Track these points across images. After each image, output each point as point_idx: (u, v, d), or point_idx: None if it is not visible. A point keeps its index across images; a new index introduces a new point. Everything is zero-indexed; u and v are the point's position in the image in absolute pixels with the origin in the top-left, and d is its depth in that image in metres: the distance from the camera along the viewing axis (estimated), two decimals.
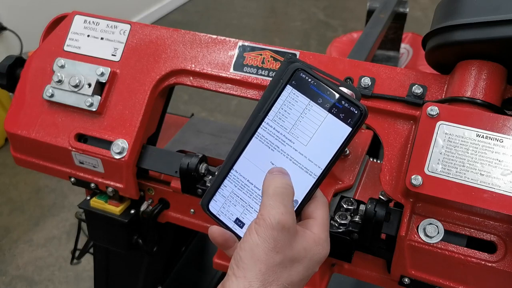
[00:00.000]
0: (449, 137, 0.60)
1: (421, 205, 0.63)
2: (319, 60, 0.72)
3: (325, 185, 0.77)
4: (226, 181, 0.56)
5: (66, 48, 0.82)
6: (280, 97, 0.54)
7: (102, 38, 0.81)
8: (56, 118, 0.81)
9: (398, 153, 0.66)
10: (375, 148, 0.91)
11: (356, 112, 0.52)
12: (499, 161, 0.58)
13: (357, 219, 0.66)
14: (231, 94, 0.76)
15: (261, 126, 0.54)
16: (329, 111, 0.52)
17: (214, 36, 0.78)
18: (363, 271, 0.73)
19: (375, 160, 0.86)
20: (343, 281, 1.05)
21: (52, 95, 0.80)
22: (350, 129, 0.52)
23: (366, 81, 0.69)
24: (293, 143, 0.53)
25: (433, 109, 0.61)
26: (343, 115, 0.52)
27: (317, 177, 0.53)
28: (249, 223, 0.53)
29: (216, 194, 0.56)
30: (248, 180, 0.55)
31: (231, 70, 0.75)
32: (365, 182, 0.81)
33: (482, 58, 0.63)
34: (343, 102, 0.52)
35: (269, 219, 0.48)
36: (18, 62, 0.86)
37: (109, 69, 0.78)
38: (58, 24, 0.85)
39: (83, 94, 0.78)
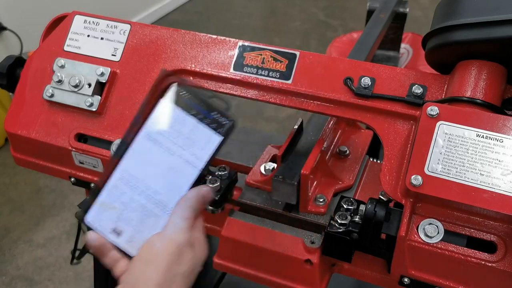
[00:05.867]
0: (449, 137, 0.60)
1: (421, 205, 0.63)
2: (319, 60, 0.72)
3: (325, 185, 0.77)
4: (108, 190, 0.59)
5: (66, 48, 0.82)
6: (155, 108, 0.59)
7: (102, 38, 0.81)
8: (56, 118, 0.81)
9: (398, 153, 0.66)
10: (375, 148, 0.91)
11: (225, 122, 0.58)
12: (499, 161, 0.58)
13: (357, 219, 0.66)
14: (231, 94, 0.76)
15: (139, 135, 0.59)
16: (201, 121, 0.58)
17: (214, 36, 0.78)
18: (363, 271, 0.73)
19: (375, 160, 0.86)
20: (343, 281, 1.05)
21: (52, 95, 0.80)
22: (221, 137, 0.58)
23: (366, 81, 0.69)
24: (170, 149, 0.58)
25: (433, 109, 0.61)
26: (214, 125, 0.58)
27: (192, 180, 0.58)
28: (127, 233, 0.58)
29: (95, 203, 0.59)
30: (135, 185, 0.59)
31: (231, 70, 0.75)
32: (365, 182, 0.81)
33: (482, 58, 0.63)
34: (213, 113, 0.58)
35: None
36: (18, 62, 0.86)
37: (109, 69, 0.78)
38: (58, 24, 0.85)
39: (83, 94, 0.78)
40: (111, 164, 0.59)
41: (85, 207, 0.59)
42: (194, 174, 0.58)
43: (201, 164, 0.58)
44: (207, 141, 0.58)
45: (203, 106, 0.58)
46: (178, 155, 0.58)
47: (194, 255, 0.55)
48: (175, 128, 0.58)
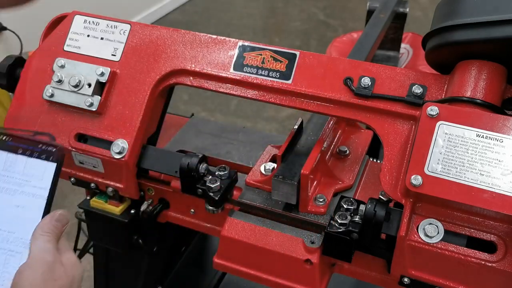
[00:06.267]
0: (449, 137, 0.60)
1: (421, 205, 0.63)
2: (319, 60, 0.72)
3: (325, 185, 0.77)
4: None
5: (66, 48, 0.82)
6: None
7: (102, 38, 0.81)
8: (56, 118, 0.81)
9: (398, 153, 0.66)
10: (375, 148, 0.91)
11: (53, 149, 0.63)
12: (499, 161, 0.58)
13: (357, 219, 0.66)
14: (231, 94, 0.76)
15: None
16: (30, 156, 0.63)
17: (214, 36, 0.78)
18: (363, 271, 0.73)
19: (375, 160, 0.86)
20: (343, 281, 1.05)
21: (52, 95, 0.80)
22: (56, 163, 0.63)
23: (366, 81, 0.69)
24: (10, 189, 0.62)
25: (433, 109, 0.61)
26: (44, 155, 0.63)
27: (43, 209, 0.61)
28: None
29: None
30: None
31: (231, 70, 0.75)
32: (365, 182, 0.81)
33: (482, 58, 0.63)
34: (39, 145, 0.63)
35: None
36: (18, 62, 0.86)
37: (109, 69, 0.78)
38: (58, 24, 0.85)
39: (83, 94, 0.78)
40: None
41: None
42: (42, 204, 0.62)
43: (45, 193, 0.62)
44: (43, 171, 0.62)
45: (27, 143, 0.63)
46: (20, 192, 0.62)
47: (67, 272, 0.57)
48: (9, 169, 0.62)
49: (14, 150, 0.63)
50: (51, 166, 0.62)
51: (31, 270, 0.56)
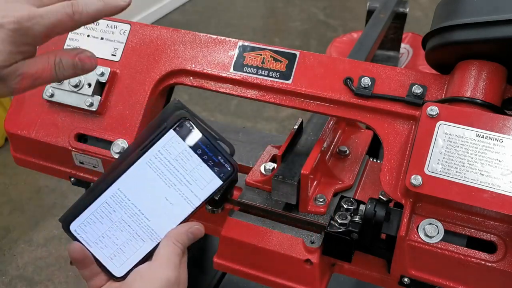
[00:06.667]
0: (449, 137, 0.60)
1: (421, 205, 0.63)
2: (319, 60, 0.72)
3: (325, 185, 0.77)
4: (99, 204, 0.59)
5: (66, 48, 0.82)
6: (162, 138, 0.59)
7: (102, 38, 0.81)
8: (56, 118, 0.81)
9: (398, 153, 0.66)
10: (375, 148, 0.91)
11: (229, 168, 0.59)
12: (499, 161, 0.58)
13: (357, 219, 0.66)
14: (231, 94, 0.76)
15: (140, 159, 0.59)
16: (205, 162, 0.58)
17: (214, 36, 0.78)
18: (363, 271, 0.73)
19: (375, 160, 0.86)
20: (343, 281, 1.05)
21: (52, 95, 0.80)
22: (221, 182, 0.59)
23: (366, 81, 0.69)
24: (170, 180, 0.59)
25: (433, 109, 0.61)
26: (217, 168, 0.59)
27: (186, 215, 0.59)
28: (110, 250, 0.58)
29: (83, 214, 0.59)
30: (130, 207, 0.59)
31: (231, 70, 0.75)
32: (365, 182, 0.81)
33: (482, 58, 0.63)
34: (219, 157, 0.58)
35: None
36: None
37: (109, 69, 0.78)
38: None
39: (83, 94, 0.78)
40: (107, 176, 0.59)
41: (70, 214, 0.59)
42: (188, 211, 0.59)
43: (197, 202, 0.59)
44: (208, 182, 0.59)
45: (210, 147, 0.59)
46: (176, 189, 0.59)
47: None
48: (179, 162, 0.58)
49: (194, 147, 0.59)
50: (217, 182, 0.59)
51: (150, 283, 0.54)
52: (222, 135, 0.61)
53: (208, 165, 0.58)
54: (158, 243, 0.58)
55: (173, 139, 0.59)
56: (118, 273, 0.58)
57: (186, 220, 0.59)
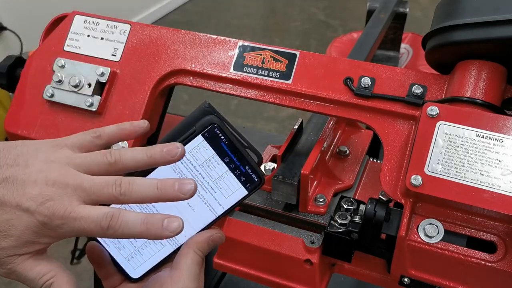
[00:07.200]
0: (449, 137, 0.60)
1: (421, 205, 0.63)
2: (319, 60, 0.72)
3: (325, 185, 0.77)
4: (119, 204, 0.56)
5: (66, 48, 0.82)
6: (190, 143, 0.57)
7: (102, 38, 0.81)
8: (56, 118, 0.81)
9: (398, 153, 0.66)
10: (375, 148, 0.91)
11: (256, 179, 0.56)
12: (499, 161, 0.58)
13: (357, 219, 0.66)
14: (231, 94, 0.76)
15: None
16: (232, 171, 0.56)
17: (214, 36, 0.78)
18: (363, 271, 0.73)
19: (375, 160, 0.86)
20: (343, 281, 1.05)
21: (52, 95, 0.80)
22: (247, 192, 0.57)
23: (366, 81, 0.69)
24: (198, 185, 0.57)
25: (433, 109, 0.61)
26: (243, 178, 0.56)
27: (207, 223, 0.57)
28: (128, 251, 0.57)
29: None
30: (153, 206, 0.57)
31: (231, 70, 0.75)
32: (365, 182, 0.81)
33: (482, 58, 0.63)
34: (246, 167, 0.56)
35: None
36: (18, 62, 0.86)
37: (109, 69, 0.78)
38: (58, 24, 0.85)
39: (83, 94, 0.78)
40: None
41: None
42: (210, 218, 0.57)
43: (220, 211, 0.57)
44: (233, 191, 0.57)
45: (238, 156, 0.56)
46: (200, 195, 0.56)
47: None
48: (205, 169, 0.57)
49: (222, 155, 0.56)
50: (241, 192, 0.56)
51: None
52: (250, 143, 0.59)
53: (234, 174, 0.56)
54: (177, 248, 0.57)
55: (200, 144, 0.57)
56: (135, 274, 0.57)
57: (207, 228, 0.57)
